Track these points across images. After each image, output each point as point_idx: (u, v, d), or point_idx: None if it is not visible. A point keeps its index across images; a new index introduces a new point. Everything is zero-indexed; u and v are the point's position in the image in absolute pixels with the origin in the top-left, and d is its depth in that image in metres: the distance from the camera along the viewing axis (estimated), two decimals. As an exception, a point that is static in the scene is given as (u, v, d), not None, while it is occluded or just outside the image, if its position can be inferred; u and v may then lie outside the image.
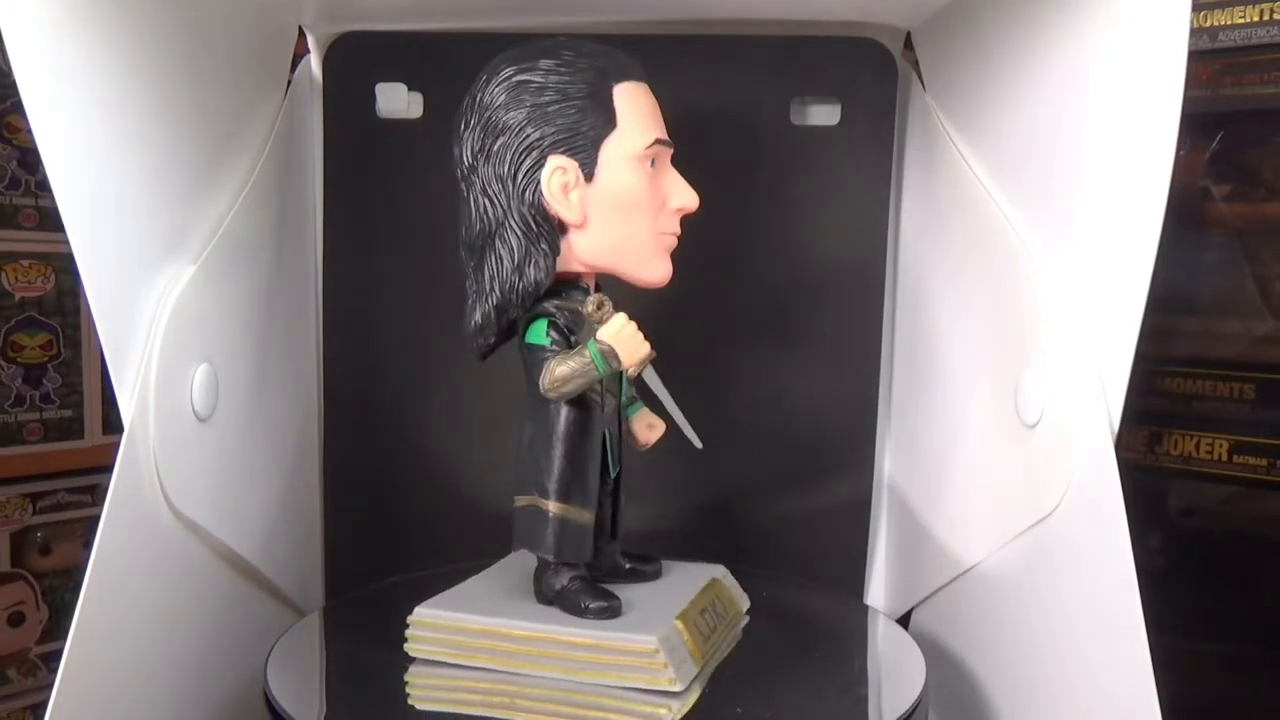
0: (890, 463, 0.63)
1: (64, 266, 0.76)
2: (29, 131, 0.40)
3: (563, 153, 0.44)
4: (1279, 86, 0.62)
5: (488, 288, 0.45)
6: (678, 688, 0.42)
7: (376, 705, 0.44)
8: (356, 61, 0.60)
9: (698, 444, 0.47)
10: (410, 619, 0.45)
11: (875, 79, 0.61)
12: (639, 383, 0.45)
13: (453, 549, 0.55)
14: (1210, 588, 0.64)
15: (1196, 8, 0.63)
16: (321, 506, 0.62)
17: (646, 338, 0.44)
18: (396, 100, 0.61)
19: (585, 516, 0.46)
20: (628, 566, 0.50)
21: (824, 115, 0.61)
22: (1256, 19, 0.62)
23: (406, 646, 0.45)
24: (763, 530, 0.62)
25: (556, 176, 0.44)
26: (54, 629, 0.77)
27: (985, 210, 0.52)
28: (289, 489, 0.58)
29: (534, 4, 0.58)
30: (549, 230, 0.45)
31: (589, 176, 0.45)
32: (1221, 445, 0.64)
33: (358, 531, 0.62)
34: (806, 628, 0.51)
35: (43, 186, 0.75)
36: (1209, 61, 0.63)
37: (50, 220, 0.75)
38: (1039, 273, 0.47)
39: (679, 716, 0.41)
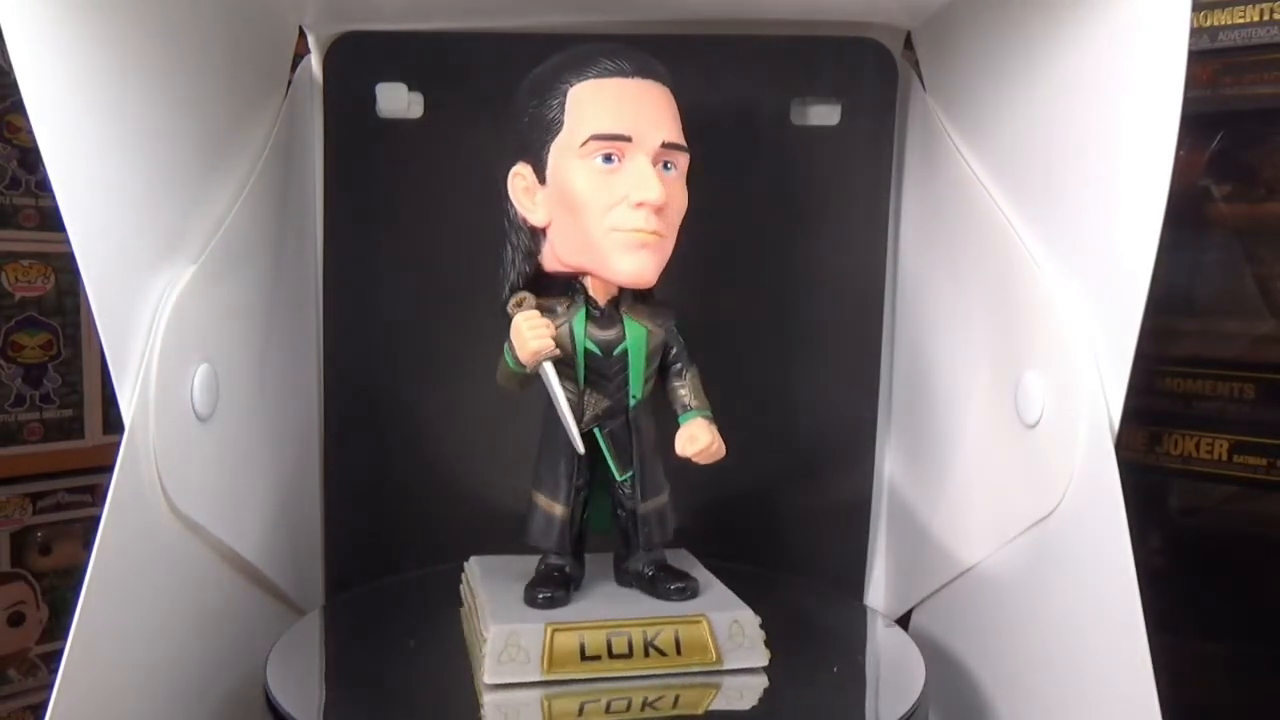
0: (890, 463, 0.63)
1: (64, 266, 0.76)
2: (29, 131, 0.40)
3: (522, 158, 0.47)
4: (1279, 86, 0.62)
5: None
6: (486, 679, 0.43)
7: (376, 705, 0.44)
8: (356, 61, 0.60)
9: (579, 448, 0.47)
10: (465, 564, 0.53)
11: (875, 79, 0.61)
12: (536, 376, 0.47)
13: (453, 549, 0.55)
14: (1210, 588, 0.64)
15: (1196, 8, 0.63)
16: (321, 506, 0.62)
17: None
18: (396, 100, 0.61)
19: (554, 508, 0.48)
20: (650, 577, 0.49)
21: (824, 115, 0.61)
22: (1256, 19, 0.62)
23: (461, 588, 0.52)
24: (763, 530, 0.62)
25: (516, 181, 0.47)
26: (54, 629, 0.77)
27: (985, 210, 0.52)
28: (289, 489, 0.58)
29: (534, 4, 0.58)
30: (525, 233, 0.48)
31: (542, 179, 0.46)
32: (1221, 445, 0.64)
33: (358, 531, 0.62)
34: (806, 628, 0.51)
35: (43, 186, 0.75)
36: (1209, 61, 0.63)
37: (50, 220, 0.75)
38: (1039, 273, 0.47)
39: (479, 701, 0.42)
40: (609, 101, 0.46)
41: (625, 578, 0.50)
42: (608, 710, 0.42)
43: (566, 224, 0.46)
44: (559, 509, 0.48)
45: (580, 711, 0.43)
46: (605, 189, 0.45)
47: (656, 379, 0.49)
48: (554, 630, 0.44)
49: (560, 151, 0.46)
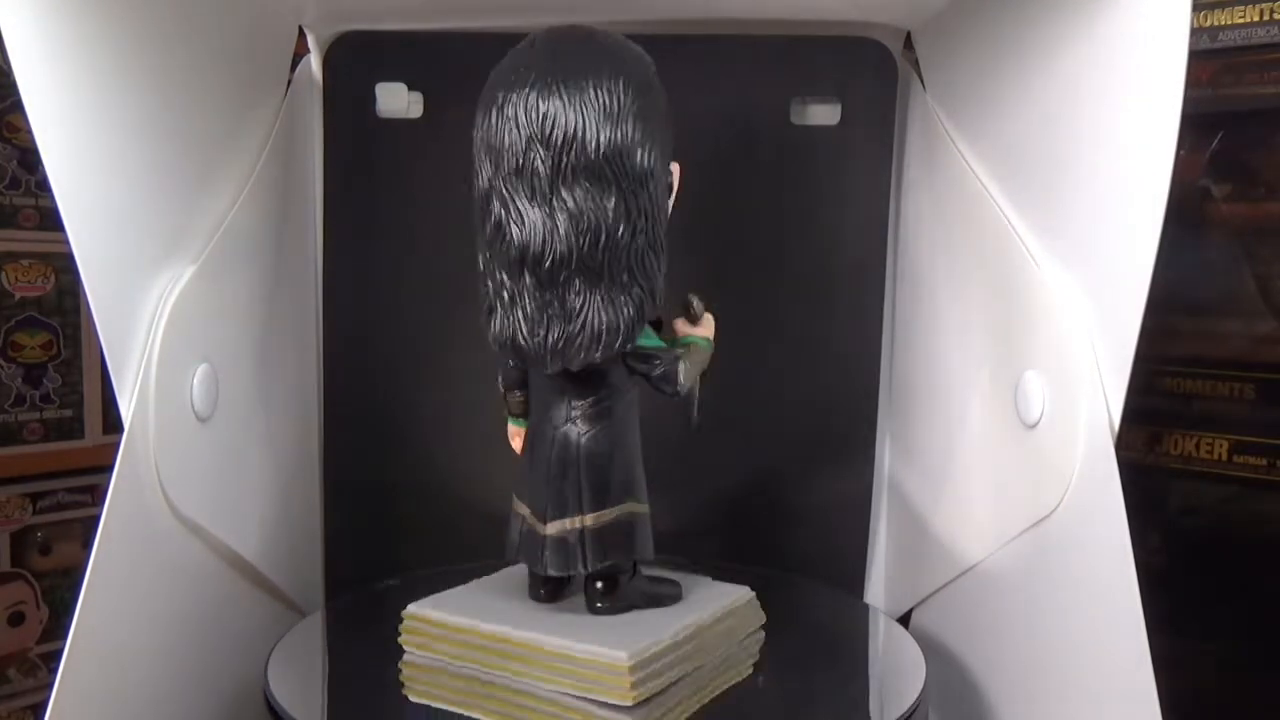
0: (890, 462, 0.63)
1: (64, 266, 0.76)
2: (29, 131, 0.40)
3: (668, 159, 0.45)
4: (1279, 86, 0.62)
5: (657, 281, 0.46)
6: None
7: (376, 705, 0.44)
8: (356, 61, 0.60)
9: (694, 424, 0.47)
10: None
11: (875, 79, 0.61)
12: None
13: (453, 549, 0.55)
14: (1210, 588, 0.64)
15: (1196, 8, 0.63)
16: (321, 506, 0.62)
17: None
18: (396, 100, 0.61)
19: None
20: None
21: (824, 115, 0.61)
22: (1256, 19, 0.62)
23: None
24: (762, 529, 0.62)
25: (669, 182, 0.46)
26: (54, 629, 0.77)
27: (985, 210, 0.52)
28: (289, 489, 0.58)
29: (534, 4, 0.58)
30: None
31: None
32: (1221, 445, 0.64)
33: (358, 531, 0.62)
34: (806, 627, 0.51)
35: (43, 186, 0.75)
36: (1209, 61, 0.63)
37: (50, 220, 0.75)
38: (1039, 272, 0.47)
39: None
40: None
41: None
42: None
43: None
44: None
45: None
46: None
47: None
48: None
49: None
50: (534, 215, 0.41)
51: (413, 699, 0.44)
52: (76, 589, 0.38)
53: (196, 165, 0.48)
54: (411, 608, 0.47)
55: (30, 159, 0.75)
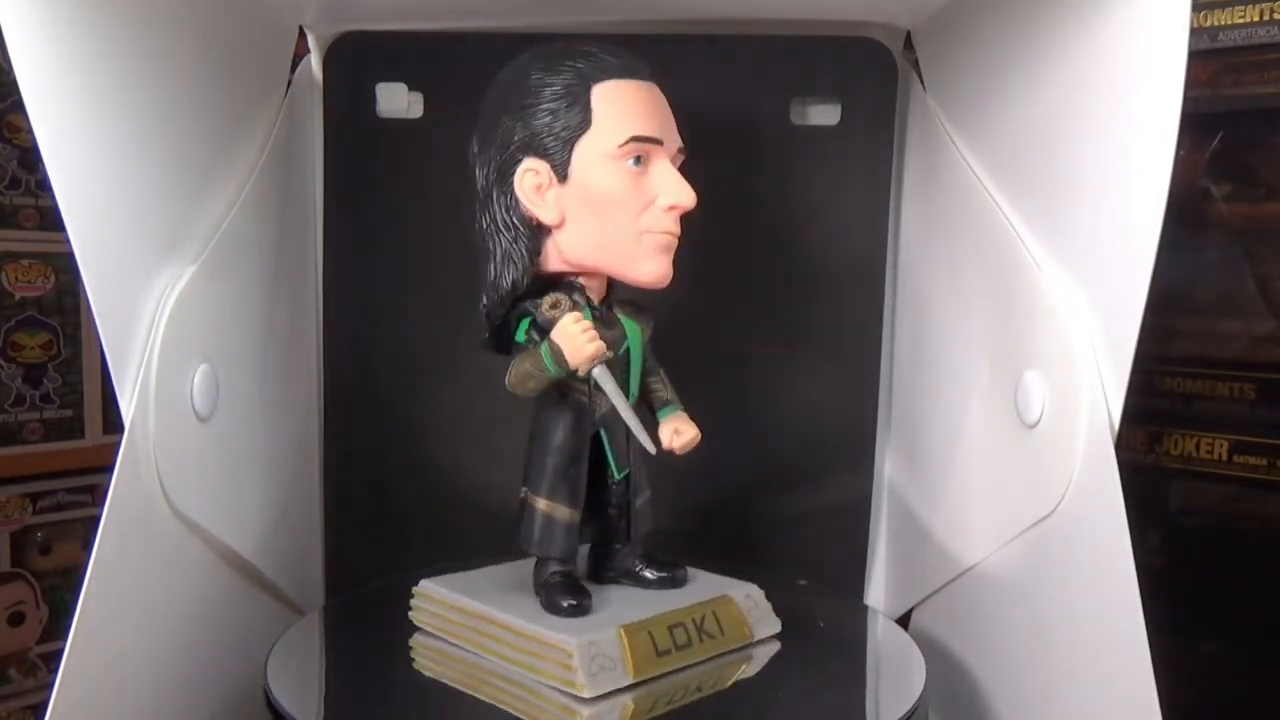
0: (890, 463, 0.63)
1: (64, 266, 0.76)
2: (29, 131, 0.40)
3: (534, 154, 0.45)
4: (1279, 86, 0.62)
5: (481, 287, 0.47)
6: (586, 694, 0.42)
7: (376, 705, 0.44)
8: (356, 61, 0.60)
9: (651, 449, 0.46)
10: (415, 590, 0.50)
11: (875, 79, 0.61)
12: (590, 381, 0.46)
13: (453, 549, 0.55)
14: (1210, 588, 0.64)
15: (1196, 8, 0.63)
16: (321, 506, 0.62)
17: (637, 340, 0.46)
18: (396, 100, 0.61)
19: (567, 514, 0.46)
20: (641, 570, 0.49)
21: (824, 115, 0.61)
22: (1256, 19, 0.62)
23: (410, 615, 0.49)
24: (763, 530, 0.62)
25: (528, 178, 0.45)
26: (54, 629, 0.77)
27: (985, 210, 0.52)
28: (289, 489, 0.58)
29: (534, 4, 0.58)
30: (527, 231, 0.46)
31: (563, 177, 0.45)
32: (1221, 445, 0.64)
33: (358, 531, 0.62)
34: (806, 628, 0.51)
35: (43, 186, 0.75)
36: (1209, 61, 0.63)
37: (50, 220, 0.75)
38: (1039, 273, 0.47)
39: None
40: (641, 103, 0.46)
41: (608, 574, 0.50)
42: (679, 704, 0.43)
43: (588, 224, 0.46)
44: (570, 514, 0.46)
45: (657, 707, 0.43)
46: (638, 191, 0.46)
47: None
48: (627, 633, 0.44)
49: (590, 150, 0.45)
50: None
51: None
52: (76, 589, 0.38)
53: (197, 165, 0.48)
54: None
55: (30, 159, 0.75)
